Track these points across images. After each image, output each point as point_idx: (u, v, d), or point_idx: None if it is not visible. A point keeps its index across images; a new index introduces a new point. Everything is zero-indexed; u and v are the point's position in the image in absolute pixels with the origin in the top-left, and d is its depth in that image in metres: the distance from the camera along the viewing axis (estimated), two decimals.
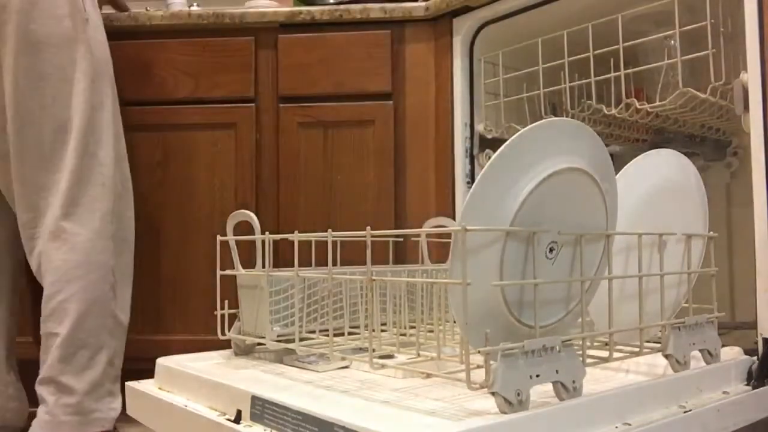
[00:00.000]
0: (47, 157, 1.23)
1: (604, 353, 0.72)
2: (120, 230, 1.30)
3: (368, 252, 0.71)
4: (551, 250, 0.67)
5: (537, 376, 0.61)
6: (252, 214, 0.92)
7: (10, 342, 1.35)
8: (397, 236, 1.30)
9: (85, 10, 1.27)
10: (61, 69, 1.24)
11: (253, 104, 1.48)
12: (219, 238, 0.94)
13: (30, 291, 1.37)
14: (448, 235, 0.64)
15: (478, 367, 0.61)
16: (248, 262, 0.96)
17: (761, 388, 0.82)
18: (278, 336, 0.89)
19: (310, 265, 0.98)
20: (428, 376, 0.76)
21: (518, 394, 0.59)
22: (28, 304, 1.37)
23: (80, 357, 1.20)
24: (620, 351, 0.76)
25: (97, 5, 1.34)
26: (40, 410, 1.20)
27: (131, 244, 1.34)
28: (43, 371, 1.20)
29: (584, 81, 1.18)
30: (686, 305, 0.83)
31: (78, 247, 1.22)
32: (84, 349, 1.20)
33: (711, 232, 0.88)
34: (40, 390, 1.19)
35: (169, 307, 1.46)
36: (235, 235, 0.95)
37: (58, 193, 1.23)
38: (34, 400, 1.24)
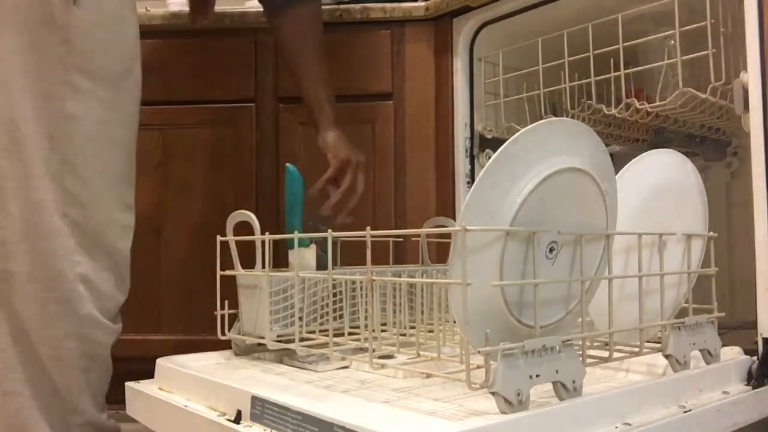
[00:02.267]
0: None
1: (604, 353, 0.72)
2: None
3: (368, 252, 0.71)
4: (551, 250, 0.67)
5: (537, 376, 0.61)
6: (252, 215, 0.92)
7: None
8: (397, 236, 1.30)
9: None
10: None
11: (253, 104, 1.48)
12: (219, 238, 0.94)
13: None
14: (448, 235, 0.64)
15: (478, 367, 0.61)
16: (248, 262, 0.96)
17: (761, 388, 0.82)
18: (278, 336, 0.89)
19: None
20: (428, 376, 0.76)
21: (518, 394, 0.59)
22: None
23: None
24: (620, 351, 0.76)
25: None
26: None
27: None
28: None
29: (584, 81, 1.18)
30: (686, 305, 0.83)
31: None
32: None
33: (711, 232, 0.88)
34: None
35: (169, 307, 1.46)
36: (235, 235, 0.95)
37: None
38: None
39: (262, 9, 1.36)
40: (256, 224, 0.91)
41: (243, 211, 0.94)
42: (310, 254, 0.98)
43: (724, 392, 0.79)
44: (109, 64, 1.01)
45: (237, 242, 0.95)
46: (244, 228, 0.95)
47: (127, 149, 1.05)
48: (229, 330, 0.95)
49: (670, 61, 1.06)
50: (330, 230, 0.78)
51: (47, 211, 0.95)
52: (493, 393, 0.59)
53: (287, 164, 1.01)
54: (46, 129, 0.95)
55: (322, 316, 0.92)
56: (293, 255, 0.93)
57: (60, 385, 0.95)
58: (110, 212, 1.01)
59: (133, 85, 1.05)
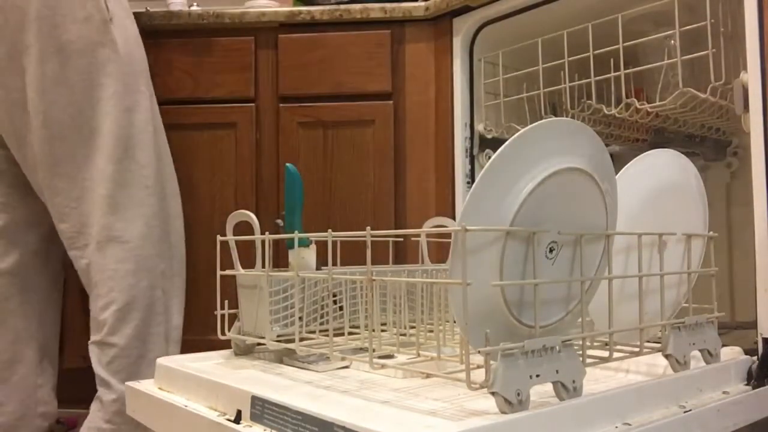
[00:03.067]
0: (80, 167, 1.20)
1: (604, 353, 0.72)
2: (167, 232, 1.28)
3: (368, 252, 0.71)
4: (551, 250, 0.67)
5: (537, 376, 0.61)
6: (252, 215, 0.92)
7: (43, 346, 1.33)
8: (397, 236, 1.30)
9: (108, 10, 1.22)
10: (86, 74, 1.20)
11: (253, 104, 1.48)
12: (219, 238, 0.94)
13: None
14: (448, 235, 0.64)
15: (478, 367, 0.61)
16: (248, 262, 0.96)
17: (761, 388, 0.82)
18: (278, 336, 0.88)
19: None
20: (428, 376, 0.76)
21: (518, 394, 0.59)
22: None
23: (137, 366, 1.19)
24: (620, 351, 0.75)
25: (124, 2, 1.29)
26: (92, 417, 1.19)
27: (182, 242, 1.32)
28: (99, 381, 1.19)
29: (584, 81, 1.18)
30: (686, 305, 0.83)
31: (127, 256, 1.20)
32: (141, 358, 1.20)
33: (711, 232, 0.88)
34: (97, 395, 1.19)
35: None
36: (235, 235, 0.95)
37: (98, 201, 1.20)
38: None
39: (262, 9, 1.37)
40: (256, 224, 0.91)
41: (243, 211, 0.94)
42: (310, 254, 0.98)
43: (724, 392, 0.79)
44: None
45: (237, 242, 0.95)
46: (243, 228, 0.95)
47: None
48: (229, 330, 0.95)
49: (670, 61, 1.06)
50: (330, 230, 0.78)
51: None
52: (493, 393, 0.59)
53: (287, 164, 1.01)
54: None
55: (322, 316, 0.92)
56: (293, 255, 0.93)
57: None
58: None
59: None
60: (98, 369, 1.20)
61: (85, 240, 1.21)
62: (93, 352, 1.21)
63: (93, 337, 1.21)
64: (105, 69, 1.22)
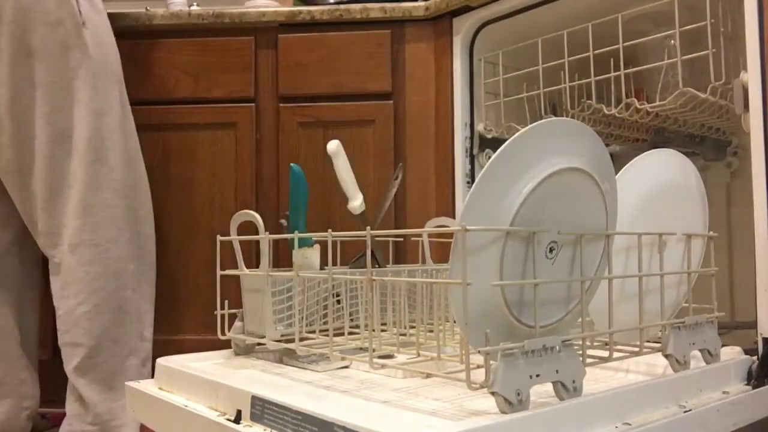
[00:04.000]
0: (53, 169, 1.22)
1: (604, 353, 0.72)
2: (137, 231, 1.30)
3: (368, 252, 0.71)
4: (551, 250, 0.67)
5: (537, 376, 0.61)
6: (256, 215, 0.92)
7: (23, 341, 1.34)
8: (397, 236, 1.30)
9: (81, 14, 1.24)
10: (58, 78, 1.21)
11: (253, 104, 1.48)
12: (219, 237, 0.94)
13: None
14: (449, 235, 0.64)
15: (478, 367, 0.61)
16: (248, 263, 0.96)
17: (761, 388, 0.82)
18: (280, 336, 0.89)
19: None
20: (428, 376, 0.76)
21: (518, 394, 0.59)
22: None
23: (109, 365, 1.21)
24: (620, 351, 0.75)
25: (98, 5, 1.32)
26: (65, 422, 1.21)
27: (151, 240, 1.34)
28: (70, 384, 1.21)
29: (584, 81, 1.18)
30: (686, 305, 0.83)
31: (96, 258, 1.22)
32: (114, 356, 1.21)
33: (711, 232, 0.88)
34: (67, 401, 1.21)
35: (169, 307, 1.46)
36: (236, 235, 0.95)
37: (70, 204, 1.22)
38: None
39: (262, 9, 1.37)
40: (260, 224, 0.91)
41: (247, 211, 0.94)
42: (314, 254, 0.98)
43: (724, 392, 0.79)
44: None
45: (239, 242, 0.95)
46: (243, 228, 0.95)
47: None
48: (229, 330, 0.95)
49: (670, 61, 1.06)
50: (330, 230, 0.78)
51: None
52: (493, 393, 0.59)
53: (291, 164, 1.01)
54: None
55: (325, 316, 0.92)
56: (296, 255, 0.93)
57: None
58: None
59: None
60: (68, 369, 1.21)
61: (58, 240, 1.23)
62: (64, 353, 1.22)
63: (62, 339, 1.22)
64: (77, 72, 1.23)
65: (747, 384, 0.82)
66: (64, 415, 1.26)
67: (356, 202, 1.04)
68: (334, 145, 1.02)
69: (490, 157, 0.73)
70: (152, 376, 0.89)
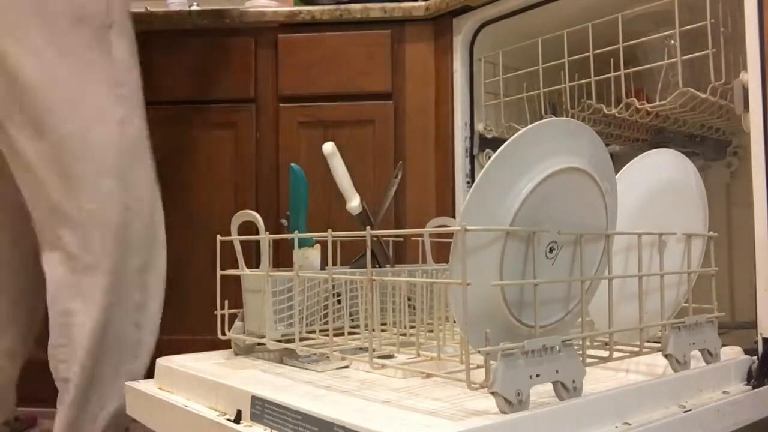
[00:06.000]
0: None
1: (604, 353, 0.72)
2: (153, 238, 1.27)
3: (368, 252, 0.71)
4: (551, 250, 0.67)
5: (537, 376, 0.61)
6: (256, 215, 0.92)
7: (16, 331, 1.31)
8: (397, 236, 1.30)
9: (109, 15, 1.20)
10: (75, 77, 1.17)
11: (253, 104, 1.48)
12: (219, 237, 0.94)
13: None
14: (448, 235, 0.64)
15: (478, 367, 0.61)
16: (248, 263, 0.96)
17: (761, 388, 0.82)
18: (281, 335, 0.89)
19: None
20: (428, 376, 0.75)
21: (518, 394, 0.59)
22: None
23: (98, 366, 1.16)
24: (620, 351, 0.76)
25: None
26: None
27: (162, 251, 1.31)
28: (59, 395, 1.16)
29: (584, 81, 1.18)
30: (686, 305, 0.83)
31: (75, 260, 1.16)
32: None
33: (711, 232, 0.88)
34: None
35: (169, 307, 1.46)
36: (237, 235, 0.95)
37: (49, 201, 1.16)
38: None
39: (262, 9, 1.37)
40: (260, 224, 0.91)
41: (248, 211, 0.94)
42: (315, 254, 0.98)
43: (724, 392, 0.79)
44: None
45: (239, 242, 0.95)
46: (243, 229, 0.95)
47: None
48: (229, 330, 0.95)
49: (670, 61, 1.06)
50: (330, 230, 0.78)
51: None
52: (493, 393, 0.59)
53: (292, 164, 1.01)
54: None
55: (325, 316, 0.92)
56: (297, 255, 0.93)
57: None
58: None
59: None
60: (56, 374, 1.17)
61: (42, 235, 1.19)
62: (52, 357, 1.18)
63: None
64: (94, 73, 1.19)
65: (747, 384, 0.82)
66: (39, 416, 1.24)
67: (354, 203, 1.04)
68: (329, 147, 1.03)
69: (490, 157, 0.73)
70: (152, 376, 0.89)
